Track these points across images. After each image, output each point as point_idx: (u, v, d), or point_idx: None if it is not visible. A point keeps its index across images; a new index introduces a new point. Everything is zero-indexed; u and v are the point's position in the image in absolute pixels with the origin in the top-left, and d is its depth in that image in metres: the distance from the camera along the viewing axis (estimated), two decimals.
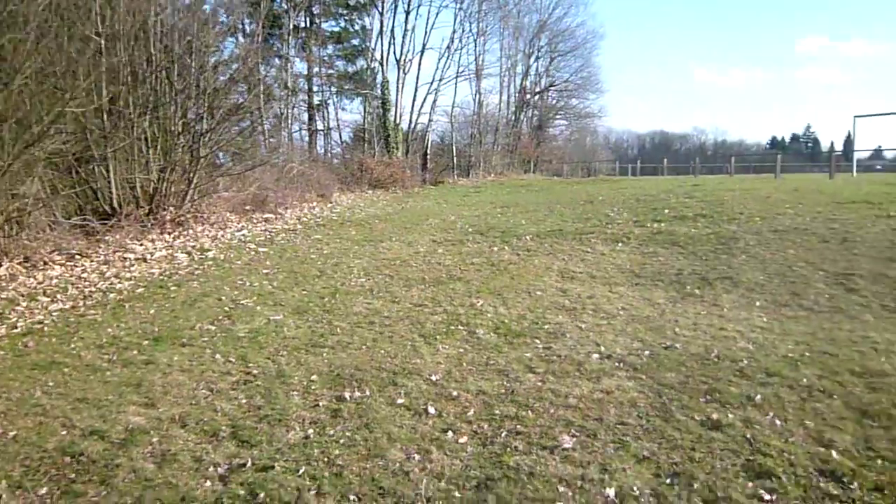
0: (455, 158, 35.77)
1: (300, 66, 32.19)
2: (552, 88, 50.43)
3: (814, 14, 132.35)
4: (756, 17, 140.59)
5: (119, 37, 12.43)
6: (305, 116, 32.60)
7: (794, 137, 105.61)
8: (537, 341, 5.81)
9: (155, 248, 11.14)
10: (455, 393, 4.61)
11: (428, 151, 33.48)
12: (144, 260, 10.31)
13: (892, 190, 13.78)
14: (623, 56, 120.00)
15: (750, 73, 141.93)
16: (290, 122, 29.38)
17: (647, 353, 5.31)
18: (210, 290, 8.31)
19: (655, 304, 7.02)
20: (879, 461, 3.44)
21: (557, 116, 53.61)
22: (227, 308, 7.41)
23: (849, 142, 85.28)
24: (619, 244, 10.36)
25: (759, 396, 4.29)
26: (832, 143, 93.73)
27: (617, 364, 5.08)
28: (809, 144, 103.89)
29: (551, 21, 46.92)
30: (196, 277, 9.16)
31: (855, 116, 28.35)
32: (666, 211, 12.79)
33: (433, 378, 4.91)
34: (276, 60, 30.89)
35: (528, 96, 47.91)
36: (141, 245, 11.21)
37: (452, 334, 6.12)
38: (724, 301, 6.97)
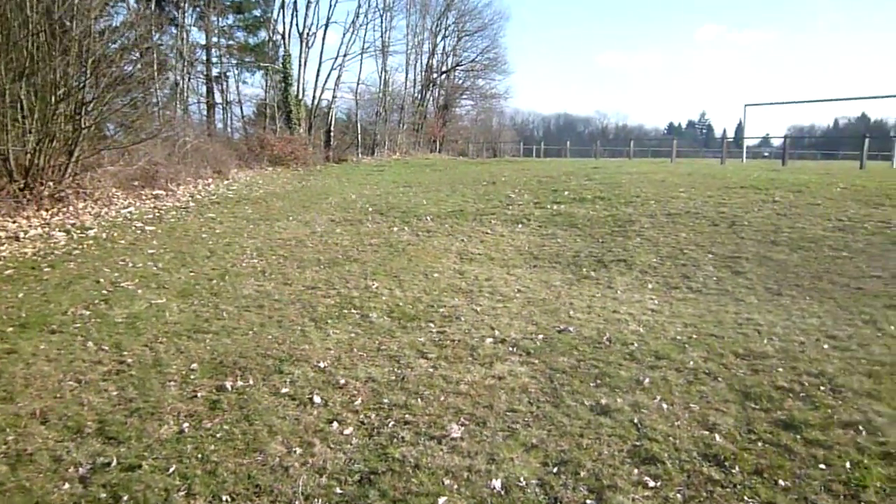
0: (360, 136, 35.22)
1: (198, 36, 30.83)
2: (459, 68, 50.47)
3: (711, 3, 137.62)
4: (659, 4, 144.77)
5: None
6: (204, 89, 31.28)
7: (690, 124, 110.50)
8: (431, 325, 5.68)
9: (29, 226, 10.34)
10: (343, 381, 4.41)
11: (331, 128, 32.83)
12: (16, 238, 9.53)
13: (776, 176, 14.44)
14: (530, 38, 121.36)
15: (651, 58, 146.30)
16: (185, 94, 28.05)
17: (540, 336, 5.27)
18: (88, 272, 7.74)
19: (552, 286, 7.03)
20: (759, 444, 3.49)
21: (464, 96, 53.73)
22: (104, 291, 6.91)
23: (740, 129, 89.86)
24: (519, 225, 10.38)
25: (647, 380, 4.31)
26: (724, 130, 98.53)
27: (510, 348, 5.01)
28: (704, 131, 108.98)
29: (458, 0, 46.86)
30: (74, 258, 8.53)
31: (745, 105, 29.77)
32: (566, 193, 12.94)
33: (321, 365, 4.70)
34: (172, 29, 29.45)
35: (435, 75, 47.75)
36: (13, 222, 10.39)
37: (344, 318, 5.90)
38: (619, 283, 7.05)
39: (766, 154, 51.79)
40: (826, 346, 4.87)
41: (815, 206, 10.15)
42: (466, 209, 11.91)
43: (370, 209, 12.44)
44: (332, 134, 32.71)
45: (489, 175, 18.03)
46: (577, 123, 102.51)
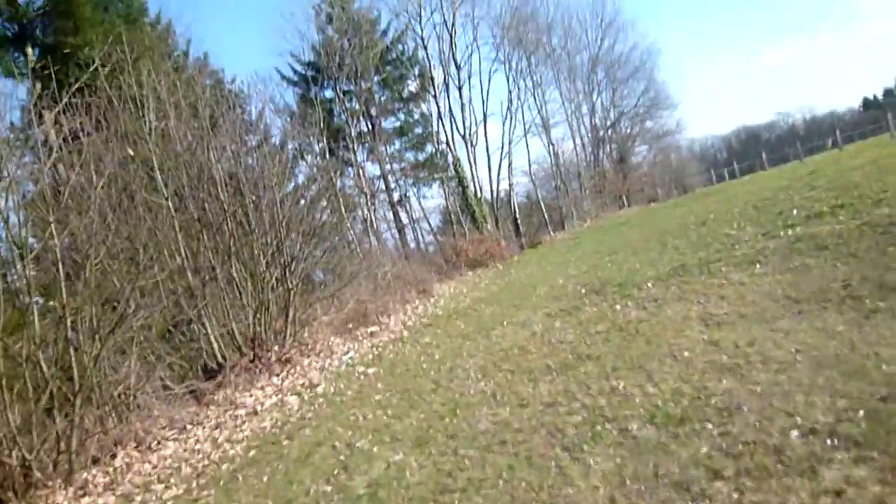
0: (546, 214, 34.83)
1: (372, 169, 32.59)
2: (623, 118, 49.26)
3: None
4: None
5: (184, 195, 12.42)
6: (390, 215, 32.69)
7: (887, 92, 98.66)
8: (709, 425, 4.61)
9: (265, 396, 10.60)
10: None
11: (517, 215, 32.72)
12: (255, 413, 9.73)
13: None
14: (684, 60, 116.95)
15: (820, 41, 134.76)
16: (375, 225, 29.40)
17: (861, 413, 4.03)
18: (323, 436, 7.52)
19: (836, 333, 5.66)
20: None
21: (636, 143, 52.17)
22: (342, 457, 6.56)
23: None
24: (757, 266, 8.97)
25: None
26: None
27: (828, 441, 3.83)
28: None
29: (602, 53, 46.32)
30: (308, 422, 8.43)
31: None
32: (794, 212, 11.27)
33: None
34: (349, 170, 31.36)
35: (601, 132, 46.83)
36: (250, 396, 10.70)
37: (600, 438, 4.99)
38: None
39: None
40: None
41: None
42: (687, 262, 10.65)
43: (583, 290, 11.55)
44: (518, 221, 32.57)
45: (694, 216, 16.54)
46: (761, 132, 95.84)
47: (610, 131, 48.23)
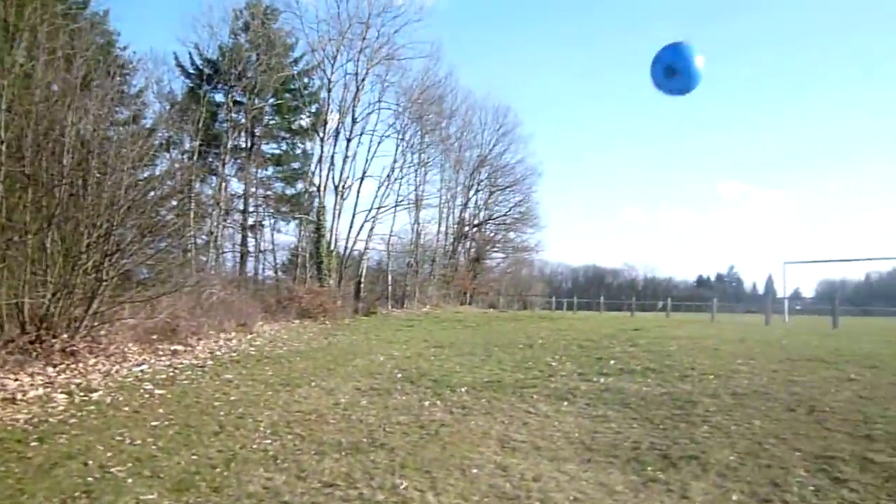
0: (390, 287, 34.87)
1: (237, 187, 31.47)
2: (490, 221, 51.07)
3: (732, 162, 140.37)
4: (681, 161, 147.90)
5: (25, 145, 11.35)
6: (238, 237, 31.53)
7: (719, 277, 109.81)
8: None
9: (31, 385, 9.55)
10: None
11: (362, 279, 32.52)
12: (13, 401, 8.69)
13: (837, 344, 13.36)
14: (560, 192, 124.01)
15: (675, 213, 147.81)
16: (219, 242, 28.18)
17: None
18: (78, 450, 6.77)
19: (614, 492, 5.84)
20: None
21: (495, 249, 54.01)
22: (90, 479, 5.90)
23: (769, 282, 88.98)
24: (565, 402, 9.28)
25: None
26: (755, 284, 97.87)
27: None
28: (733, 284, 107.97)
29: (491, 156, 48.21)
30: (68, 429, 7.60)
31: (784, 262, 29.23)
32: (612, 362, 11.88)
33: None
34: (213, 179, 30.14)
35: (467, 228, 48.17)
36: (16, 380, 9.63)
37: None
38: (695, 492, 5.86)
39: (797, 307, 50.58)
40: None
41: None
42: (504, 379, 10.87)
43: (399, 375, 11.45)
44: (361, 285, 32.36)
45: (525, 336, 17.07)
46: (606, 275, 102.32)
47: (475, 230, 49.69)
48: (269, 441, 7.39)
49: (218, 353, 13.90)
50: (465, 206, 47.40)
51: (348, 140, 32.88)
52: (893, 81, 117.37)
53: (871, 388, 9.08)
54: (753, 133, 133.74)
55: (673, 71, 5.14)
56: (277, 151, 34.07)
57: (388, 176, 35.85)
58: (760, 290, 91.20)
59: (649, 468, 6.52)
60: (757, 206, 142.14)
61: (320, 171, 31.97)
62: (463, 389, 10.17)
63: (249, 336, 16.92)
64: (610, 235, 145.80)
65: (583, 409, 8.91)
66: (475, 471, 6.39)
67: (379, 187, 35.70)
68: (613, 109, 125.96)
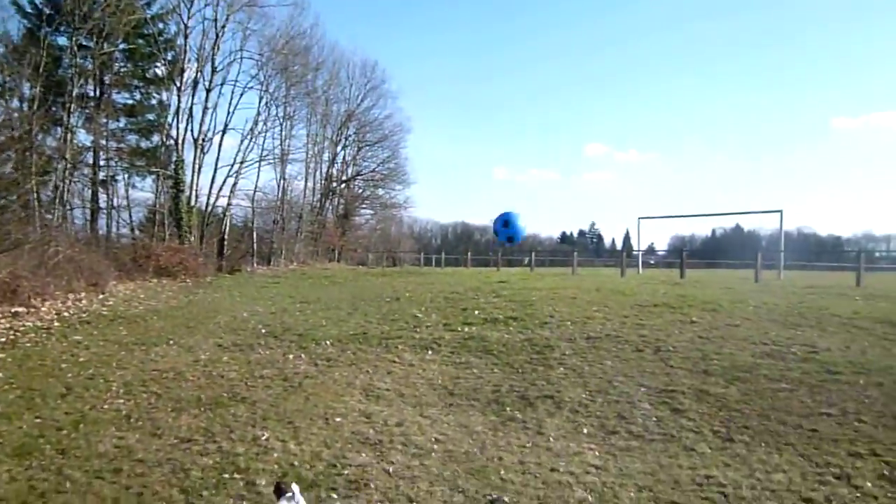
0: (256, 245, 33.85)
1: (85, 138, 29.16)
2: (359, 177, 50.62)
3: (597, 124, 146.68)
4: (550, 123, 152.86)
5: None
6: (88, 193, 29.34)
7: (581, 233, 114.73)
8: (334, 495, 4.58)
9: None
10: None
11: (225, 237, 31.31)
12: None
13: (683, 291, 14.29)
14: (430, 150, 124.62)
15: (541, 173, 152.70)
16: (66, 198, 26.16)
17: None
18: None
19: (474, 433, 6.05)
20: None
21: (363, 206, 53.66)
22: None
23: (627, 238, 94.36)
24: (429, 352, 9.44)
25: None
26: (613, 240, 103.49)
27: None
28: (594, 240, 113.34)
29: (359, 111, 47.44)
30: None
31: (639, 218, 30.71)
32: (476, 312, 12.18)
33: None
34: (57, 130, 27.79)
35: (335, 184, 47.45)
36: None
37: (224, 488, 4.71)
38: (550, 427, 6.16)
39: (652, 262, 53.81)
40: None
41: (734, 327, 9.78)
42: (370, 332, 10.89)
43: (263, 331, 11.22)
44: (225, 242, 31.17)
45: (392, 290, 17.14)
46: (475, 232, 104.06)
47: (343, 186, 49.04)
48: (121, 401, 7.07)
49: (66, 314, 13.04)
50: (332, 161, 46.61)
51: (208, 90, 31.20)
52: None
53: (709, 329, 9.82)
54: (619, 99, 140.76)
55: (506, 223, 10.30)
56: (130, 102, 31.62)
57: (252, 129, 34.45)
58: (619, 245, 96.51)
59: (508, 409, 6.79)
60: (618, 167, 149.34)
61: (178, 123, 30.13)
62: (328, 342, 10.12)
63: (102, 296, 15.93)
64: (479, 194, 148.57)
65: (447, 358, 9.10)
66: (339, 419, 6.41)
67: (242, 141, 34.28)
68: (487, 74, 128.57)
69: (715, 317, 10.71)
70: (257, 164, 35.41)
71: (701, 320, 10.45)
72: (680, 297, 13.13)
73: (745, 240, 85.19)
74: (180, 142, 29.73)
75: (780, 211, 25.83)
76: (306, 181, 42.42)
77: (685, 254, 27.25)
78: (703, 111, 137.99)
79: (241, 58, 32.91)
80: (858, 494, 4.46)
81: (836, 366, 7.49)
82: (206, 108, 31.08)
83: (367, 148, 49.80)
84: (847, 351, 8.17)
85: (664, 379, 7.52)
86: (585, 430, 6.08)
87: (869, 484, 4.61)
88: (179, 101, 30.00)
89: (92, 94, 29.20)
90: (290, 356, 9.31)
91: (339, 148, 47.13)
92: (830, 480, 4.72)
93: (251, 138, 34.47)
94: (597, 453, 5.46)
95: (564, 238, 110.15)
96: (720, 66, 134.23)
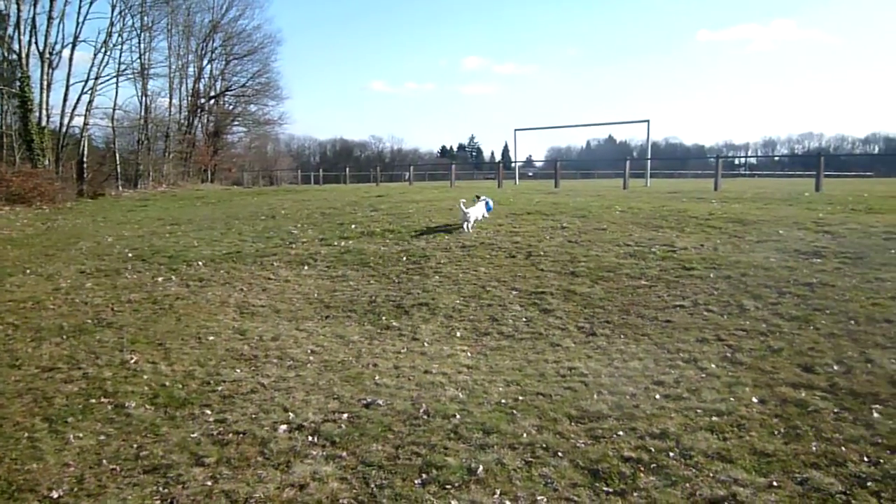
0: (119, 167, 31.93)
1: None
2: (228, 93, 48.23)
3: (475, 37, 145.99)
4: (428, 36, 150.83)
5: None
6: None
7: (461, 147, 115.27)
8: (208, 411, 4.54)
9: None
10: None
11: (84, 159, 29.26)
12: None
13: (556, 200, 14.78)
14: (303, 63, 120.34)
15: (420, 87, 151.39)
16: None
17: (345, 416, 4.36)
18: None
19: (350, 342, 6.14)
20: None
21: (235, 123, 51.40)
22: None
23: (506, 152, 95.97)
24: (305, 267, 9.38)
25: (480, 468, 3.56)
26: (493, 153, 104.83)
27: (311, 437, 4.05)
28: (474, 153, 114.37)
29: (225, 22, 44.79)
30: None
31: (515, 130, 31.14)
32: (353, 227, 12.14)
33: (54, 495, 3.43)
34: None
35: (203, 100, 45.05)
36: None
37: (92, 412, 4.57)
38: (424, 333, 6.34)
39: (530, 174, 55.21)
40: (658, 397, 4.48)
41: (601, 231, 10.26)
42: (244, 250, 10.66)
43: (130, 255, 10.74)
44: (85, 165, 29.16)
45: (268, 208, 16.76)
46: (354, 148, 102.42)
47: (212, 102, 46.64)
48: None
49: None
50: (198, 76, 43.93)
51: None
52: None
53: (579, 233, 10.25)
54: (496, 11, 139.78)
55: None
56: None
57: (106, 42, 31.93)
58: (499, 158, 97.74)
59: (384, 318, 6.91)
60: (498, 80, 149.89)
61: (20, 35, 27.43)
62: (200, 263, 9.84)
63: None
64: (357, 109, 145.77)
65: (323, 272, 9.08)
66: (212, 338, 6.33)
67: (95, 55, 31.74)
68: None
69: (584, 222, 11.16)
70: (115, 80, 33.06)
71: (571, 226, 10.88)
72: (553, 204, 13.57)
73: (617, 150, 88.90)
74: (24, 56, 27.10)
75: (647, 121, 27.06)
76: (171, 97, 40.14)
77: (559, 164, 28.07)
78: (581, 22, 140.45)
79: None
80: (703, 375, 4.88)
81: (691, 262, 8.05)
82: (51, 18, 28.46)
83: (236, 61, 47.22)
84: (701, 248, 8.76)
85: (534, 282, 7.84)
86: (459, 334, 6.30)
87: (713, 366, 5.06)
88: (19, 10, 27.13)
89: None
90: (160, 279, 9.00)
91: (205, 62, 44.51)
92: (680, 364, 5.14)
93: (106, 51, 32.04)
94: (469, 354, 5.69)
95: (444, 152, 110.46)
96: None
